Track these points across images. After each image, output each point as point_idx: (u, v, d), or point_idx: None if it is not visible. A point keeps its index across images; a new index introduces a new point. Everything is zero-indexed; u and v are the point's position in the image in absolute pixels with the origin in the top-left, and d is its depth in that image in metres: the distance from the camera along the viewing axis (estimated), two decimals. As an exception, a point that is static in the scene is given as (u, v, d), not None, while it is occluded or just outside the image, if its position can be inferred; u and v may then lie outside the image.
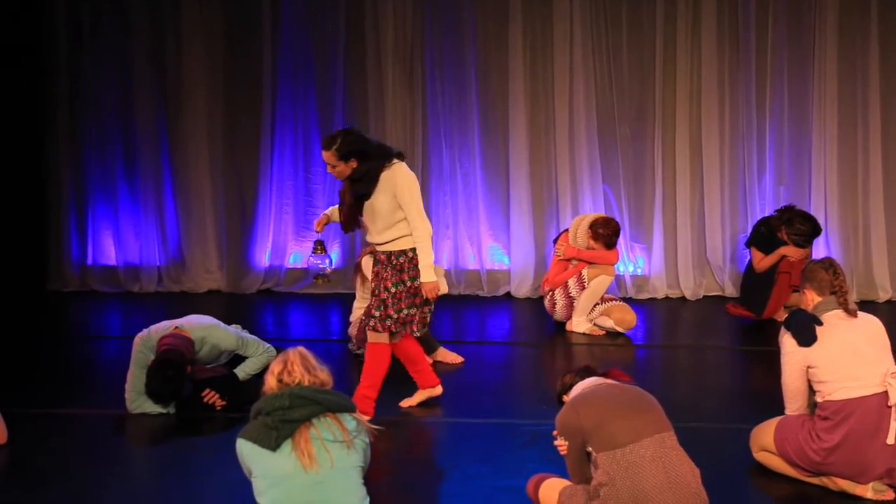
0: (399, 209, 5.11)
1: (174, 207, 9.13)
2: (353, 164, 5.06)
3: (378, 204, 5.11)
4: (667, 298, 8.70)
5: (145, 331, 5.54)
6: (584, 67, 8.62)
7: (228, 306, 8.42)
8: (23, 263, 8.90)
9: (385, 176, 5.08)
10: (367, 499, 3.52)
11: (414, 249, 5.15)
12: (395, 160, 5.13)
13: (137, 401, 5.47)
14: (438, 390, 5.61)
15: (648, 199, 8.75)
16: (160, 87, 9.02)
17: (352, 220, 5.26)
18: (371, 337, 5.24)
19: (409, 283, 5.16)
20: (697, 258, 8.74)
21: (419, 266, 5.12)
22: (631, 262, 8.79)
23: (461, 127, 8.84)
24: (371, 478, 3.68)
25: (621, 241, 8.12)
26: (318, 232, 5.52)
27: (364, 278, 6.67)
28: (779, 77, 8.55)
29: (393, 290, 5.16)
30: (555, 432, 3.93)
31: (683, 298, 8.67)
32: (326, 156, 5.06)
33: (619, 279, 8.58)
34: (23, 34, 8.84)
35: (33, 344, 7.26)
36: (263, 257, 9.13)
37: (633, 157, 8.74)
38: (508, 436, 5.12)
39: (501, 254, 8.95)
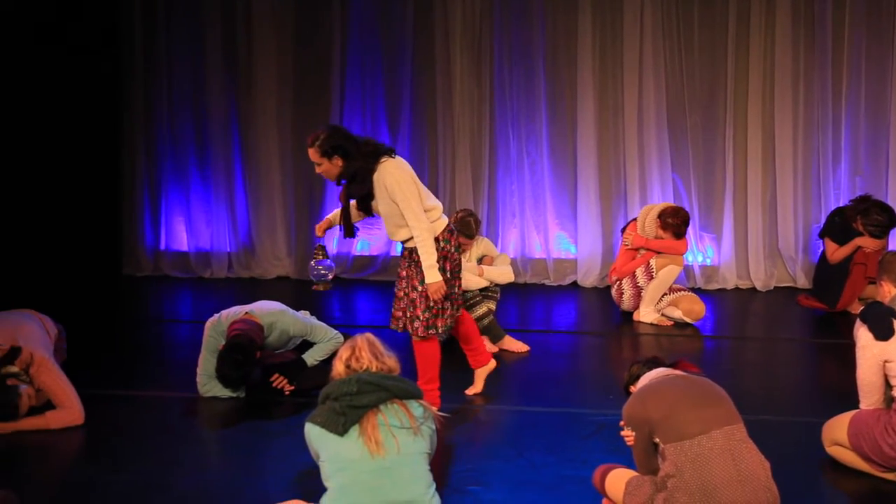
0: None
1: (244, 195, 9.27)
2: (339, 162, 4.83)
3: (380, 206, 4.93)
4: (737, 289, 8.58)
5: (216, 316, 5.63)
6: (654, 56, 8.53)
7: (296, 293, 8.52)
8: (99, 248, 9.13)
9: (375, 178, 4.84)
10: (434, 485, 3.54)
11: (436, 241, 4.94)
12: (385, 158, 4.84)
13: (208, 384, 5.57)
14: (492, 364, 5.59)
15: (719, 188, 8.62)
16: (231, 74, 9.16)
17: (350, 224, 5.10)
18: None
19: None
20: (769, 248, 8.59)
21: (423, 267, 4.89)
22: (700, 251, 8.68)
23: (529, 115, 8.81)
24: (436, 465, 3.68)
25: (690, 230, 8.03)
26: (319, 236, 5.31)
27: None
28: (856, 72, 8.36)
29: (420, 288, 4.99)
30: (622, 423, 3.90)
31: (754, 289, 8.54)
32: (310, 153, 4.85)
33: (687, 269, 8.49)
34: (100, 23, 9.03)
35: (108, 327, 7.43)
36: (331, 245, 9.22)
37: (703, 145, 8.62)
38: (574, 425, 5.10)
39: (568, 243, 8.90)
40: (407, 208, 4.83)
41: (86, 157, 8.92)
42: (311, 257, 5.52)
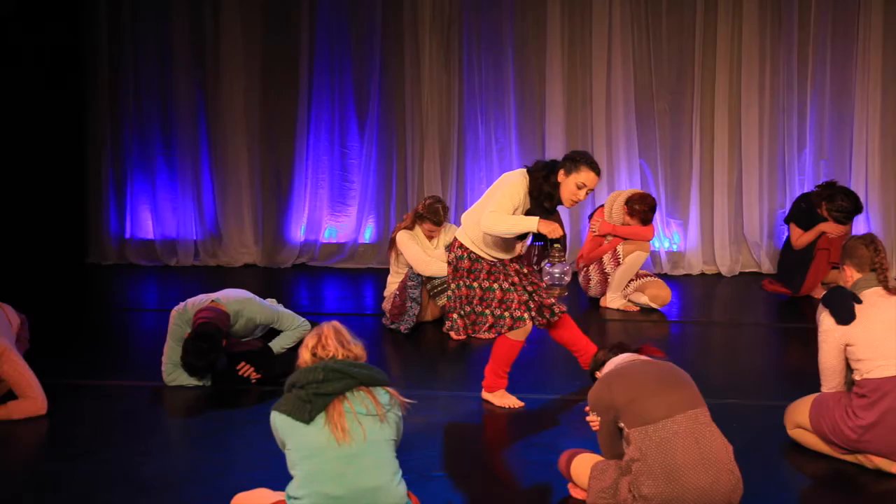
0: None
1: (211, 182, 9.21)
2: None
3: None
4: (702, 275, 8.65)
5: (182, 304, 5.59)
6: (622, 42, 8.57)
7: (264, 280, 8.49)
8: (63, 237, 9.04)
9: None
10: (400, 472, 3.53)
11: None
12: None
13: (174, 373, 5.54)
14: None
15: (685, 174, 8.69)
16: (198, 63, 9.09)
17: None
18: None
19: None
20: (734, 234, 8.67)
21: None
22: (667, 237, 8.74)
23: (497, 101, 8.82)
24: (400, 451, 3.67)
25: (657, 216, 8.07)
26: (557, 237, 4.86)
27: (398, 253, 6.69)
28: (821, 52, 8.44)
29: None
30: (587, 408, 3.92)
31: (719, 275, 8.61)
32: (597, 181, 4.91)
33: (654, 255, 8.55)
34: (65, 14, 8.91)
35: (72, 316, 7.36)
36: (299, 232, 9.18)
37: (670, 130, 8.68)
38: (540, 411, 5.11)
39: (536, 229, 8.90)
40: None
41: (50, 145, 8.82)
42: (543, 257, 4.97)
